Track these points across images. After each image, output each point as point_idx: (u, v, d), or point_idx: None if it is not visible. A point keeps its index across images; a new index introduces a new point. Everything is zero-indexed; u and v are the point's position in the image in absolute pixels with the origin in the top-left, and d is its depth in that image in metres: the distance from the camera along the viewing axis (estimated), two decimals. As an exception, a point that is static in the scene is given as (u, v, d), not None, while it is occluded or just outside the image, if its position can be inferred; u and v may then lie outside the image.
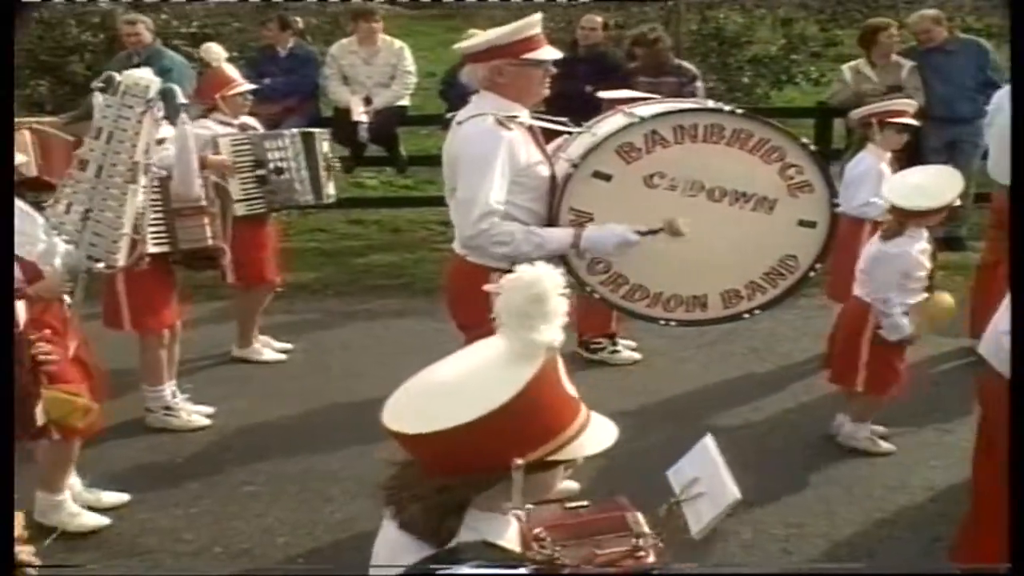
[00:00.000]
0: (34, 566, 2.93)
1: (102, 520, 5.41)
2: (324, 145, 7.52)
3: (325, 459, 6.05)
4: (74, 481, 5.53)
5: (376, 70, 10.33)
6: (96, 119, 5.37)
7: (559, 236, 4.63)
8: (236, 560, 5.14)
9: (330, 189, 7.53)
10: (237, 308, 7.67)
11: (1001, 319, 4.23)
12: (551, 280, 2.20)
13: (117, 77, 5.38)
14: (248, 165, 7.10)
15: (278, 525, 5.43)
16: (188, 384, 6.75)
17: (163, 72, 8.13)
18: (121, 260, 5.31)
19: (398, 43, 10.49)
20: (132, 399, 6.45)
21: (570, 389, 2.26)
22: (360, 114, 10.07)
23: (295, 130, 7.55)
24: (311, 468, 5.98)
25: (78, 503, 5.45)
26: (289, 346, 7.78)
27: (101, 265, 5.28)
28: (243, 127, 7.25)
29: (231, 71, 7.29)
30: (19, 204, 5.02)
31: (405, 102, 10.52)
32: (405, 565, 2.20)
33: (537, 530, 2.57)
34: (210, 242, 6.24)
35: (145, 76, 5.44)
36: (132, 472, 5.93)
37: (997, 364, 4.19)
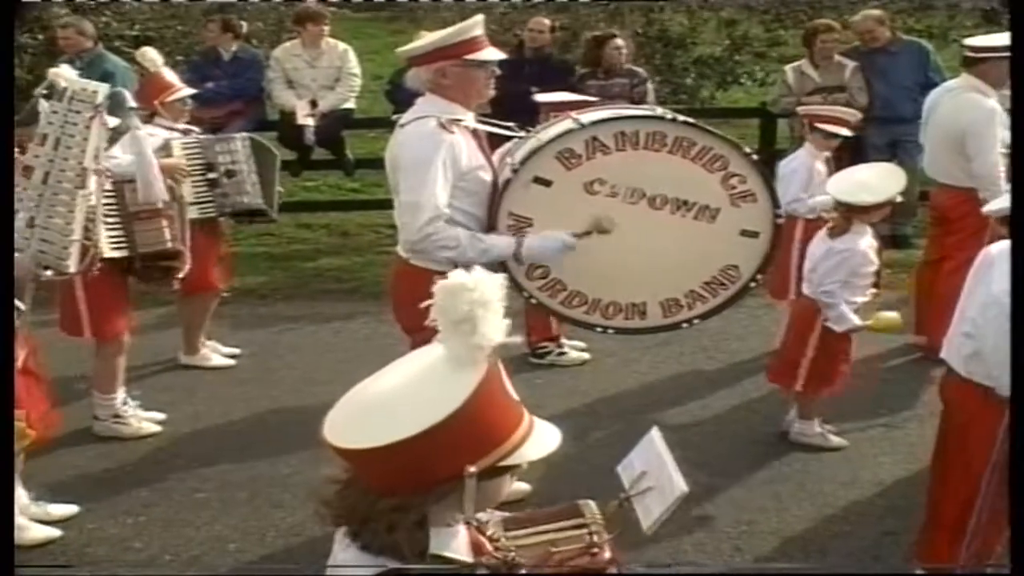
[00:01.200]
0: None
1: (52, 532, 5.36)
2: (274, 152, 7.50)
3: (275, 464, 6.01)
4: (20, 494, 5.47)
5: (320, 73, 10.28)
6: (41, 125, 5.31)
7: (502, 243, 4.65)
8: (187, 568, 5.10)
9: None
10: (181, 315, 7.60)
11: (958, 322, 4.27)
12: (490, 283, 2.18)
13: (62, 83, 5.32)
14: (199, 168, 7.05)
15: (228, 532, 5.40)
16: (136, 391, 6.68)
17: (105, 76, 8.07)
18: (72, 266, 5.25)
19: (342, 45, 10.45)
20: (79, 407, 6.37)
21: (513, 394, 2.26)
22: (305, 117, 10.01)
23: (245, 134, 7.51)
24: (261, 474, 5.95)
25: (25, 517, 5.38)
26: (237, 351, 7.72)
27: (50, 272, 5.23)
28: (187, 132, 7.18)
29: (169, 76, 7.21)
30: None
31: (351, 105, 10.47)
32: None
33: (491, 531, 2.56)
34: (169, 244, 6.23)
35: (92, 81, 5.39)
36: (80, 481, 5.87)
37: (959, 367, 4.23)
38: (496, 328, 2.16)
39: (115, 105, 5.79)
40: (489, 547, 2.45)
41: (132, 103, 6.39)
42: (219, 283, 7.49)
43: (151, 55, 7.22)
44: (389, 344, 6.94)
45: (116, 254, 5.97)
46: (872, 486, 5.78)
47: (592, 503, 2.78)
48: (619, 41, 9.70)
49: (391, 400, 2.19)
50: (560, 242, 4.65)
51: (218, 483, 5.87)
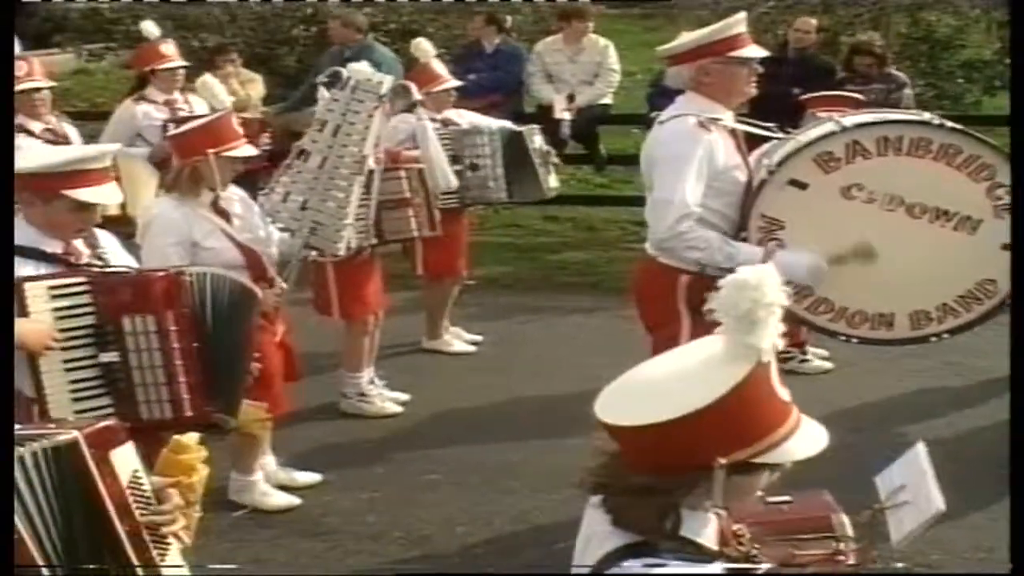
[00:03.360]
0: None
1: (292, 500, 5.59)
2: (536, 140, 7.55)
3: (508, 452, 6.10)
4: (268, 460, 5.72)
5: (580, 68, 10.33)
6: (320, 112, 5.54)
7: (751, 252, 4.54)
8: (415, 546, 5.23)
9: (552, 182, 7.61)
10: (426, 299, 7.79)
11: None
12: (774, 284, 2.19)
13: (345, 72, 5.56)
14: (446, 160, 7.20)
15: (458, 514, 5.50)
16: (380, 372, 6.90)
17: (372, 66, 8.35)
18: (342, 250, 5.47)
19: (603, 41, 10.46)
20: (324, 382, 6.60)
21: (782, 392, 2.26)
22: (562, 112, 10.08)
23: (495, 127, 7.61)
24: (493, 460, 6.04)
25: (271, 482, 5.63)
26: (479, 338, 7.87)
27: (314, 253, 5.45)
28: (445, 122, 7.34)
29: (438, 67, 7.40)
30: (237, 191, 5.23)
31: (607, 100, 10.51)
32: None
33: (736, 526, 2.56)
34: (415, 233, 6.43)
35: (378, 72, 5.60)
36: (320, 454, 6.08)
37: None
38: (773, 330, 2.18)
39: (399, 97, 5.99)
40: (733, 541, 2.47)
41: (417, 95, 6.59)
42: (463, 270, 7.64)
43: (424, 46, 7.43)
44: (628, 340, 6.91)
45: (364, 242, 6.17)
46: None
47: (845, 517, 2.75)
48: (868, 58, 9.38)
49: (660, 383, 2.24)
50: (812, 265, 4.50)
51: (451, 466, 5.99)
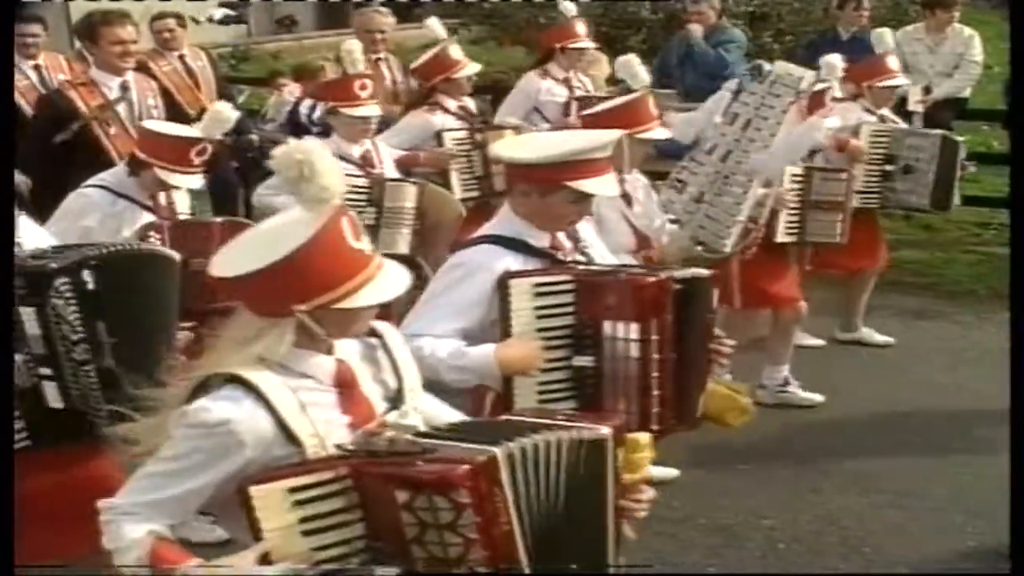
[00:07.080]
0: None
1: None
2: (962, 151, 7.34)
3: (819, 449, 5.98)
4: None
5: (940, 59, 9.93)
6: (734, 106, 5.50)
7: None
8: (716, 534, 5.22)
9: (955, 198, 7.38)
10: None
11: None
12: None
13: (767, 66, 5.52)
14: (879, 157, 7.03)
15: (764, 507, 5.44)
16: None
17: (723, 50, 8.44)
18: (728, 247, 5.39)
19: (968, 31, 10.00)
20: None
21: None
22: (916, 104, 9.70)
23: (938, 132, 7.39)
24: (805, 456, 5.93)
25: None
26: (891, 340, 7.51)
27: (699, 248, 5.36)
28: (883, 118, 7.22)
29: (892, 63, 7.26)
30: (641, 177, 5.20)
31: (965, 94, 10.06)
32: None
33: None
34: (838, 239, 6.37)
35: (798, 67, 5.53)
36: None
37: None
38: None
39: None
40: None
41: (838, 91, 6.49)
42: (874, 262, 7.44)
43: (887, 38, 7.36)
44: (960, 347, 6.67)
45: (787, 239, 6.14)
46: None
47: None
48: None
49: None
50: None
51: (762, 458, 5.89)
